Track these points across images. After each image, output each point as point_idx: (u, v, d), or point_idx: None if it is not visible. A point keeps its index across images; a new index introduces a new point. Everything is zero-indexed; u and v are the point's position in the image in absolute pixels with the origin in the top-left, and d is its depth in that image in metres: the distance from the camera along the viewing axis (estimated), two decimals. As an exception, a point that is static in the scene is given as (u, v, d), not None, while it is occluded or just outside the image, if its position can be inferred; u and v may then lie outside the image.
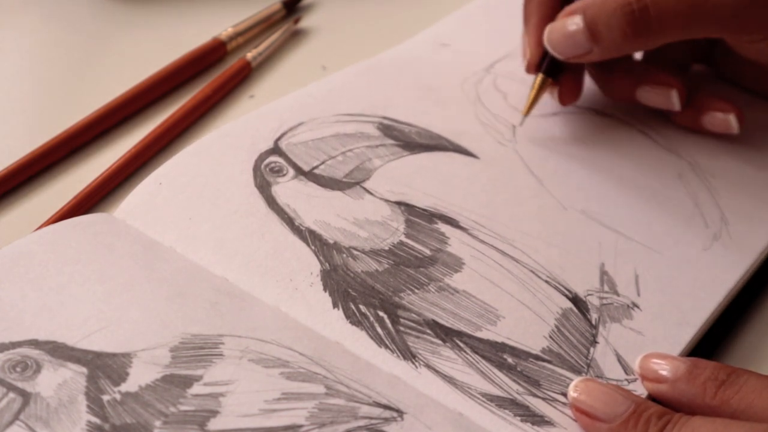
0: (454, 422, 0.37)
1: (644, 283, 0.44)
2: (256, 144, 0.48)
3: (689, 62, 0.56)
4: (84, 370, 0.37)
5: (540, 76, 0.51)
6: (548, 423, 0.38)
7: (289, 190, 0.46)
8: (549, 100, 0.54)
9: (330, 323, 0.40)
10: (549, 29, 0.50)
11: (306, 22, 0.63)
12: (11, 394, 0.36)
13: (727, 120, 0.51)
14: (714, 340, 0.43)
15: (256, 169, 0.47)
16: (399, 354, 0.39)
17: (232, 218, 0.44)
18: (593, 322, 0.42)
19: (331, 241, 0.43)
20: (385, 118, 0.51)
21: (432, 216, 0.45)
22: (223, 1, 0.64)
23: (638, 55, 0.55)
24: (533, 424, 0.38)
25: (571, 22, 0.49)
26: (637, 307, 0.43)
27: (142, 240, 0.43)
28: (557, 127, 0.52)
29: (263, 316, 0.40)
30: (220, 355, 0.38)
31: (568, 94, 0.52)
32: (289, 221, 0.44)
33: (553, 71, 0.51)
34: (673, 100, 0.51)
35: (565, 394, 0.39)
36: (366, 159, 0.48)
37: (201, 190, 0.45)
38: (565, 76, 0.52)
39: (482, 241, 0.45)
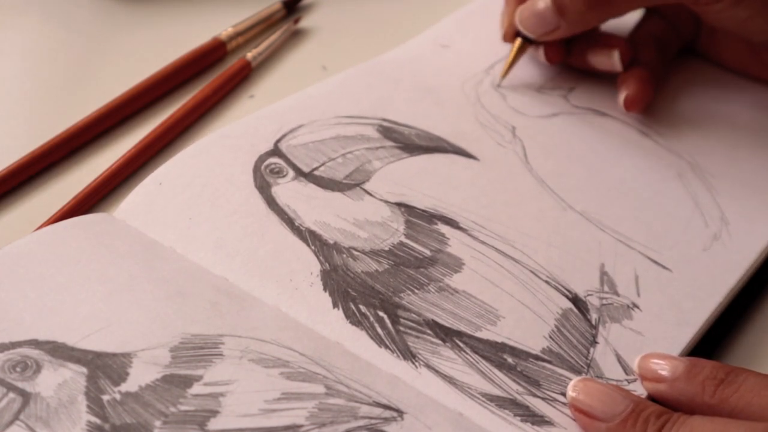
0: (454, 422, 0.37)
1: (644, 283, 0.44)
2: (256, 145, 0.48)
3: (673, 48, 0.57)
4: (84, 370, 0.37)
5: (518, 41, 0.54)
6: (548, 423, 0.38)
7: (289, 191, 0.46)
8: (550, 102, 0.54)
9: (330, 323, 0.40)
10: (519, 10, 0.53)
11: (306, 22, 0.63)
12: (11, 394, 0.36)
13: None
14: (714, 340, 0.43)
15: (256, 170, 0.47)
16: (399, 354, 0.39)
17: (232, 218, 0.44)
18: (593, 323, 0.42)
19: (331, 242, 0.43)
20: (384, 120, 0.51)
21: (432, 217, 0.46)
22: (223, 1, 0.64)
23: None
24: (533, 424, 0.38)
25: (539, 1, 0.51)
26: (637, 307, 0.43)
27: (142, 240, 0.43)
28: (557, 127, 0.52)
29: (263, 316, 0.40)
30: (220, 355, 0.38)
31: (553, 52, 0.54)
32: (289, 221, 0.44)
33: (528, 41, 0.54)
34: (614, 60, 0.53)
35: (565, 394, 0.39)
36: (366, 161, 0.48)
37: (201, 190, 0.45)
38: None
39: (482, 242, 0.45)
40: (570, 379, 0.39)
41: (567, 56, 0.55)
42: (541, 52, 0.54)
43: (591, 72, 0.55)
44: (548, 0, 0.51)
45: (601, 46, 0.53)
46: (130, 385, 0.36)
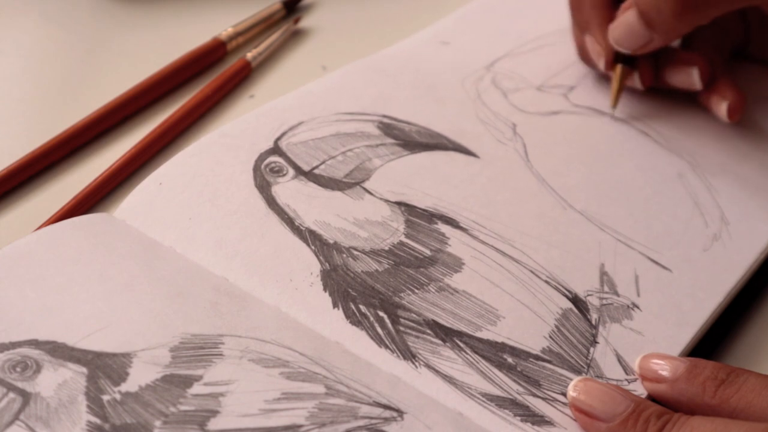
0: (454, 422, 0.37)
1: (644, 283, 0.44)
2: (256, 144, 0.48)
3: (727, 51, 0.57)
4: (84, 370, 0.37)
5: (619, 67, 0.53)
6: (548, 423, 0.38)
7: (289, 190, 0.46)
8: (551, 100, 0.54)
9: (330, 323, 0.40)
10: (611, 30, 0.52)
11: (306, 22, 0.63)
12: (11, 394, 0.36)
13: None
14: (714, 340, 0.43)
15: (256, 169, 0.47)
16: (399, 354, 0.39)
17: (232, 218, 0.44)
18: (593, 322, 0.42)
19: (331, 241, 0.43)
20: (385, 116, 0.51)
21: (432, 216, 0.45)
22: (223, 1, 0.64)
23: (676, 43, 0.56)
24: (533, 424, 0.38)
25: (628, 16, 0.51)
26: (637, 307, 0.43)
27: (142, 240, 0.43)
28: (557, 126, 0.52)
29: (263, 316, 0.40)
30: (220, 355, 0.38)
31: (647, 75, 0.54)
32: (289, 221, 0.44)
33: (628, 61, 0.53)
34: (694, 79, 0.52)
35: (565, 394, 0.39)
36: (366, 159, 0.48)
37: (201, 190, 0.45)
38: (641, 60, 0.53)
39: (482, 242, 0.45)
40: (570, 379, 0.39)
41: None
42: (636, 79, 0.54)
43: (594, 71, 0.55)
44: (635, 15, 0.50)
45: (679, 64, 0.53)
46: (130, 385, 0.36)
